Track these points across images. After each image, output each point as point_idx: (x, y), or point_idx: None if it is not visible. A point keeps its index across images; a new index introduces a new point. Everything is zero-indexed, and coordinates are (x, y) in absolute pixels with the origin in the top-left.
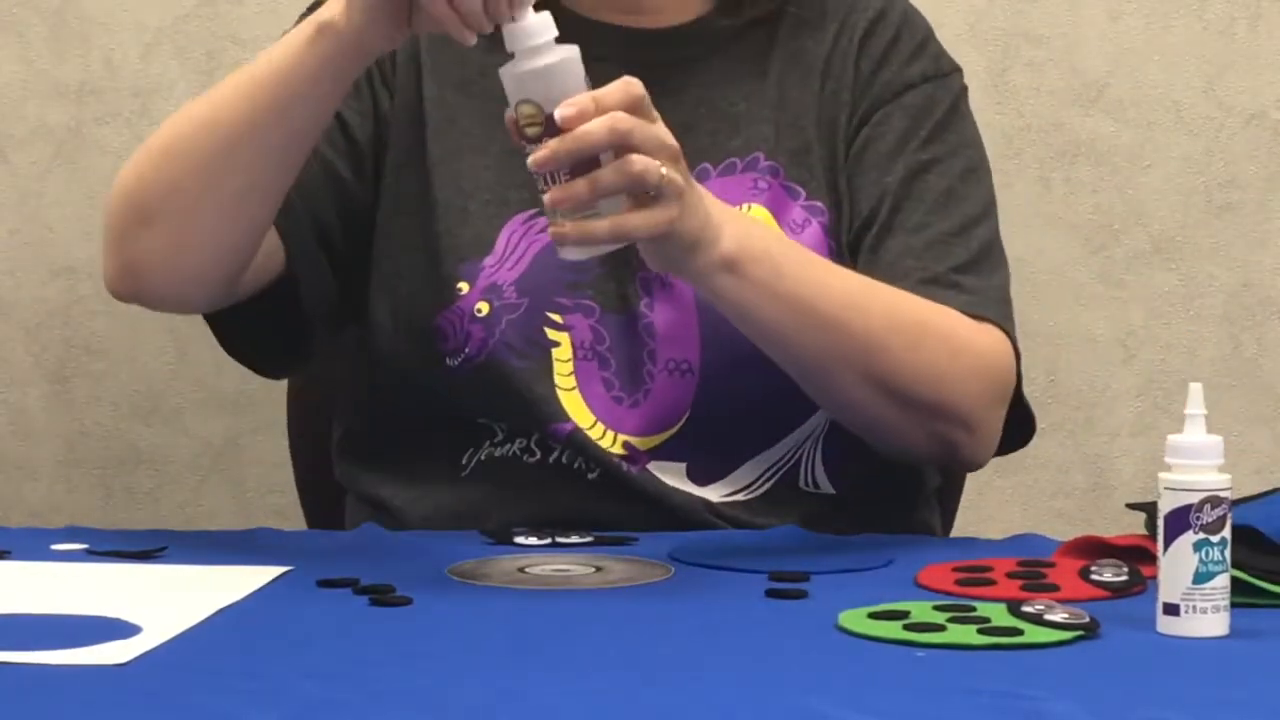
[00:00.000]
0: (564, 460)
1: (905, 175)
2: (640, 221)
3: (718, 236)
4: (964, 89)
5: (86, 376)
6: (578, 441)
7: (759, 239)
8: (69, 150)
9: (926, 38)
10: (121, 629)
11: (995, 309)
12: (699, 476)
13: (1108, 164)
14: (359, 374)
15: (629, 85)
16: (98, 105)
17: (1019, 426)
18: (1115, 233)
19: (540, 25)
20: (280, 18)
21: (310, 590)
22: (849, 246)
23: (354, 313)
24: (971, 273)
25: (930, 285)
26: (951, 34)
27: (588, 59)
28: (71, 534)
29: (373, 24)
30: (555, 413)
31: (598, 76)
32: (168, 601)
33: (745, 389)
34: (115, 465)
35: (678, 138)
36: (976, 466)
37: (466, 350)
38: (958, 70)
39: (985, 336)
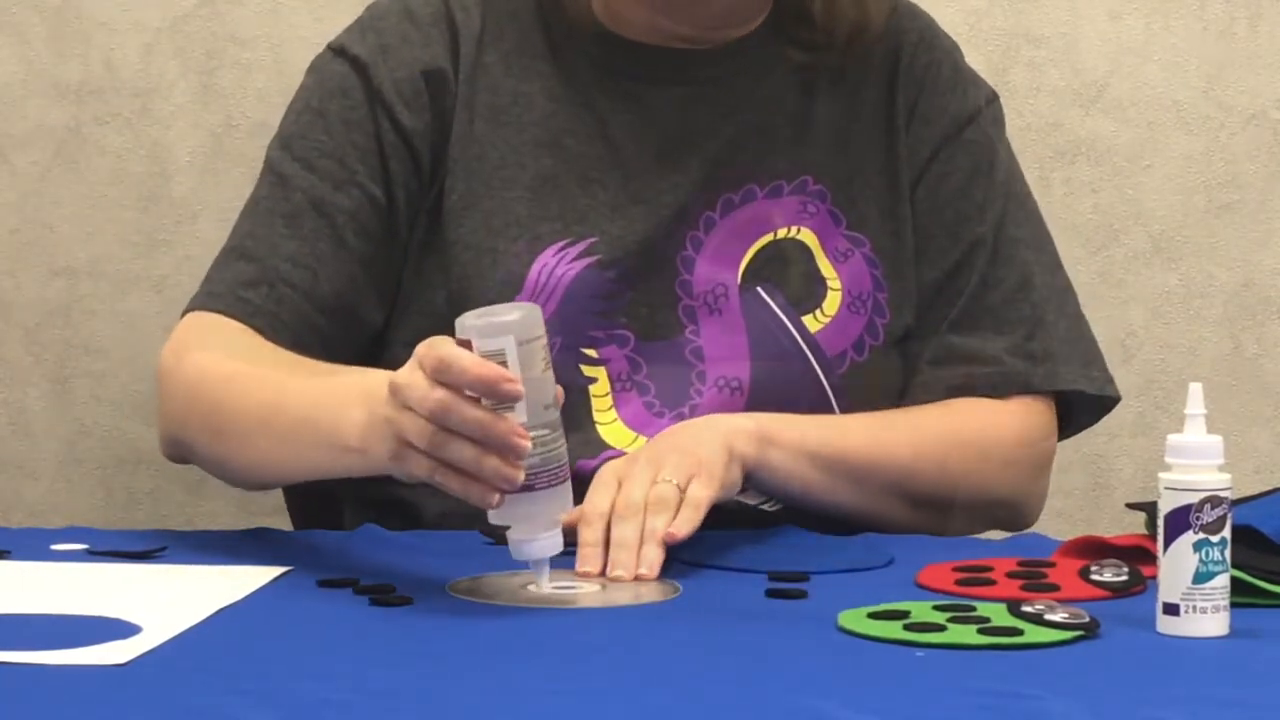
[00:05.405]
0: None
1: (983, 232)
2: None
3: (740, 425)
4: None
5: (86, 376)
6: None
7: (774, 416)
8: (69, 150)
9: (962, 59)
10: (121, 629)
11: (1059, 369)
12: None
13: (1108, 164)
14: None
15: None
16: (98, 105)
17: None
18: (1115, 233)
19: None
20: (280, 18)
21: (310, 590)
22: (936, 283)
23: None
24: (1037, 335)
25: (1021, 360)
26: (951, 34)
27: (635, 81)
28: (71, 534)
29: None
30: (593, 451)
31: (646, 98)
32: (168, 601)
33: (792, 408)
34: (115, 465)
35: (724, 156)
36: (1028, 527)
37: None
38: (997, 96)
39: (1019, 418)
